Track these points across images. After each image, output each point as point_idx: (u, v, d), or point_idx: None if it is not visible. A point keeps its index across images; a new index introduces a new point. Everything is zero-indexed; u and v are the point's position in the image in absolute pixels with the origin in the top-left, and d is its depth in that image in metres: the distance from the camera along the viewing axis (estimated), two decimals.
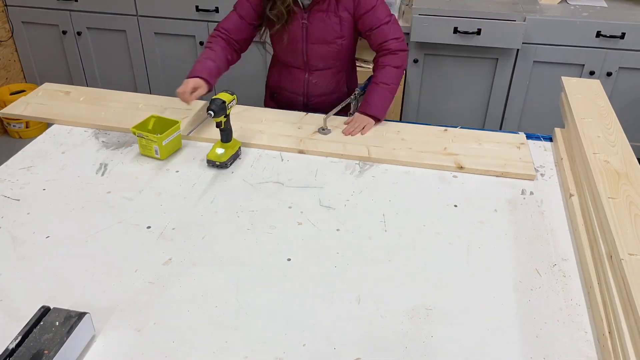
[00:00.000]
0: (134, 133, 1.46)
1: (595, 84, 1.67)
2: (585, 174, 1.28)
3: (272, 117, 1.67)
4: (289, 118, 1.67)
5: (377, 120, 1.64)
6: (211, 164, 1.46)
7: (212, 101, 1.39)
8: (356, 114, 1.66)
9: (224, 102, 1.39)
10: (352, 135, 1.59)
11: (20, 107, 1.72)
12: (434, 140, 1.57)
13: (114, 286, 1.08)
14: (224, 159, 1.45)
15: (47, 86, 1.89)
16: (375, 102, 1.64)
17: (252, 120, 1.65)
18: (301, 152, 1.52)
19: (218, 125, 1.42)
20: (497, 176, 1.43)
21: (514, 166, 1.46)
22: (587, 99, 1.57)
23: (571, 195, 1.32)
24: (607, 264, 1.04)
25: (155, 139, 1.44)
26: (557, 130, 1.61)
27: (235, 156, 1.49)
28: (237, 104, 1.48)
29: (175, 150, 1.51)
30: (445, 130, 1.62)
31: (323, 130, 1.61)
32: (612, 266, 1.02)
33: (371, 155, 1.50)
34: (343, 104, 1.68)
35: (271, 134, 1.59)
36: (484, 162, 1.47)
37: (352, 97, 1.70)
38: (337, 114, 1.65)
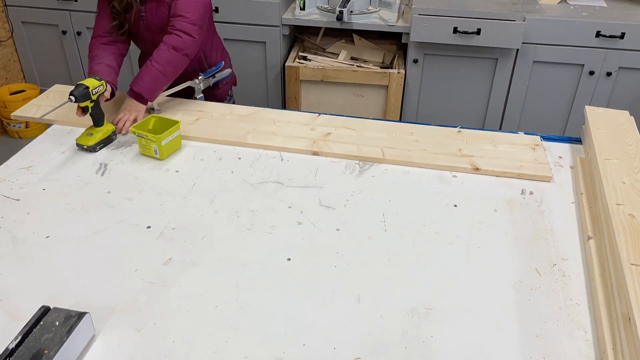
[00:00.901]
0: (134, 132, 1.46)
1: (623, 116, 1.53)
2: (607, 226, 1.14)
3: (285, 119, 1.67)
4: (301, 119, 1.67)
5: (144, 101, 1.60)
6: (80, 147, 1.51)
7: (76, 86, 1.45)
8: (126, 100, 1.62)
9: (87, 87, 1.46)
10: (124, 129, 1.57)
11: (32, 110, 1.70)
12: (448, 141, 1.56)
13: (114, 286, 1.08)
14: (91, 143, 1.50)
15: (58, 88, 1.87)
16: (143, 78, 1.59)
17: (265, 122, 1.64)
18: (315, 154, 1.51)
19: (85, 110, 1.48)
20: (513, 177, 1.43)
21: (530, 167, 1.45)
22: (613, 135, 1.43)
23: (589, 237, 1.19)
24: (622, 325, 0.94)
25: (155, 139, 1.44)
26: (578, 159, 1.48)
27: (108, 140, 1.54)
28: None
29: (175, 150, 1.51)
30: (459, 131, 1.61)
31: (153, 110, 1.67)
32: (627, 329, 0.91)
33: (385, 156, 1.49)
34: (181, 87, 1.71)
35: (284, 135, 1.58)
36: (499, 164, 1.46)
37: (194, 81, 1.72)
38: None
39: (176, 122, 1.49)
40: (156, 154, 1.47)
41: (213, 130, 1.60)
